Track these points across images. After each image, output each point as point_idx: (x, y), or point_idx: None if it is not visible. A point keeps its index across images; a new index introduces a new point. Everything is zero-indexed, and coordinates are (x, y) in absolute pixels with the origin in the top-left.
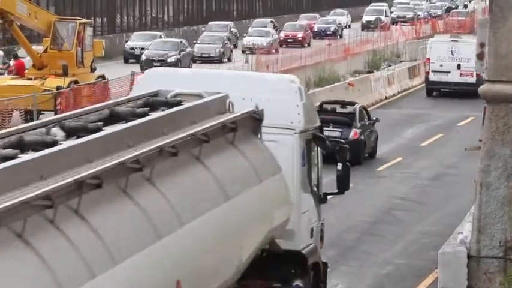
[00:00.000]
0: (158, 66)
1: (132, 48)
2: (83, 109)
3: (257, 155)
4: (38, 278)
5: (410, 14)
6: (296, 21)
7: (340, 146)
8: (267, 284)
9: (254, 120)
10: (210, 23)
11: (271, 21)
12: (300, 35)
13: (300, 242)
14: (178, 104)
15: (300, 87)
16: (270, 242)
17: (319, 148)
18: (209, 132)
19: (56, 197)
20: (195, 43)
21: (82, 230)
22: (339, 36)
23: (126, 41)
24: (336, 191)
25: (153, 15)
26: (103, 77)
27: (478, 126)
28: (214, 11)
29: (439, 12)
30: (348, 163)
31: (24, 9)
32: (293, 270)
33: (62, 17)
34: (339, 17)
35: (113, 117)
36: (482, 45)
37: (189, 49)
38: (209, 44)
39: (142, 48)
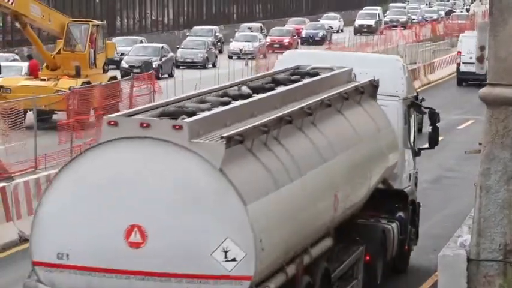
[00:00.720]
0: (138, 73)
1: None
2: (251, 77)
3: (375, 112)
4: (271, 171)
5: (403, 18)
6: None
7: (431, 111)
8: (378, 214)
9: (373, 87)
10: (194, 28)
11: (260, 26)
12: (286, 40)
13: (402, 183)
14: (316, 74)
15: (404, 64)
16: (383, 180)
17: (415, 112)
18: (348, 92)
19: (270, 125)
20: (178, 48)
21: (282, 148)
22: (327, 42)
23: None
24: (428, 146)
25: (153, 17)
26: (115, 78)
27: (478, 129)
28: (214, 14)
29: (435, 16)
30: (437, 124)
31: (37, 11)
32: (397, 205)
33: (75, 19)
34: (331, 21)
35: (275, 82)
36: (482, 48)
37: (171, 54)
38: (192, 49)
39: (122, 54)
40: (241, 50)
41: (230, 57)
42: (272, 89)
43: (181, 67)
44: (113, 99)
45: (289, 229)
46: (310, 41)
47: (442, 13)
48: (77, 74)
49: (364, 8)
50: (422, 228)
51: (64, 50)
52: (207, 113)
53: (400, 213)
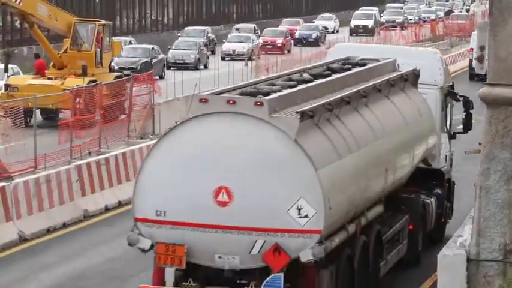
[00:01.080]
0: (128, 74)
1: None
2: (306, 66)
3: (417, 99)
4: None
5: (399, 19)
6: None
7: (465, 99)
8: (418, 190)
9: (415, 76)
10: (186, 28)
11: (254, 27)
12: (279, 41)
13: (439, 163)
14: (365, 64)
15: (441, 56)
16: (423, 160)
17: (451, 100)
18: (394, 79)
19: (333, 104)
20: (169, 49)
21: (342, 124)
22: (321, 44)
23: None
24: (462, 131)
25: (153, 17)
26: (120, 77)
27: (477, 129)
28: (214, 13)
29: (433, 16)
30: (470, 111)
31: (44, 11)
32: (434, 182)
33: (81, 18)
34: (327, 21)
35: (330, 70)
36: (482, 48)
37: (161, 55)
38: (184, 49)
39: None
40: (234, 51)
41: (223, 59)
42: (329, 75)
43: (172, 68)
44: (118, 98)
45: (350, 193)
46: (304, 42)
47: (441, 13)
48: (84, 73)
49: (360, 9)
50: None
51: (70, 49)
52: (281, 93)
53: (437, 190)
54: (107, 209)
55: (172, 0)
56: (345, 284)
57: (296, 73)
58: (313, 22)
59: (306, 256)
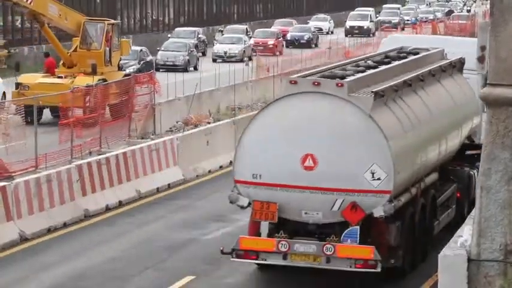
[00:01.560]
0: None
1: None
2: (367, 54)
3: (462, 83)
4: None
5: (395, 19)
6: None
7: None
8: (462, 163)
9: (461, 64)
10: (176, 29)
11: (246, 28)
12: (271, 42)
13: (480, 137)
14: (417, 53)
15: None
16: (468, 136)
17: None
18: (445, 66)
19: (398, 86)
20: (158, 50)
21: (405, 103)
22: (313, 45)
23: None
24: None
25: (154, 17)
26: (129, 75)
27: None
28: (215, 13)
29: (431, 16)
30: None
31: (55, 10)
32: (476, 156)
33: (90, 17)
34: (321, 22)
35: (388, 58)
36: (483, 48)
37: (150, 57)
38: (173, 51)
39: None
40: (225, 52)
41: (214, 60)
42: (389, 62)
43: (161, 70)
44: (126, 96)
45: (413, 161)
46: (296, 43)
47: (439, 14)
48: (93, 72)
49: (356, 9)
50: None
51: (80, 48)
52: (355, 76)
53: (478, 163)
54: (107, 209)
55: (173, 0)
56: (408, 237)
57: (361, 60)
58: (307, 23)
59: (378, 212)
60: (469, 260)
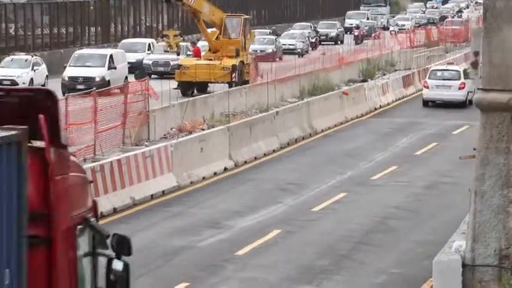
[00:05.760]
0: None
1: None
2: None
3: None
4: None
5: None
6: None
7: None
8: None
9: None
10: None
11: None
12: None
13: None
14: None
15: None
16: None
17: None
18: None
19: None
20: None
21: None
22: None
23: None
24: None
25: (147, 24)
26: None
27: (472, 135)
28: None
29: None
30: None
31: (207, 8)
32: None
33: (229, 13)
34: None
35: None
36: (476, 54)
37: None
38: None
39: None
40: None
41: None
42: None
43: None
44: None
45: None
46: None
47: (409, 23)
48: (237, 55)
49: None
50: (417, 234)
51: (223, 37)
52: None
53: None
54: (102, 216)
55: (167, 6)
56: None
57: None
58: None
59: None
60: (464, 265)
